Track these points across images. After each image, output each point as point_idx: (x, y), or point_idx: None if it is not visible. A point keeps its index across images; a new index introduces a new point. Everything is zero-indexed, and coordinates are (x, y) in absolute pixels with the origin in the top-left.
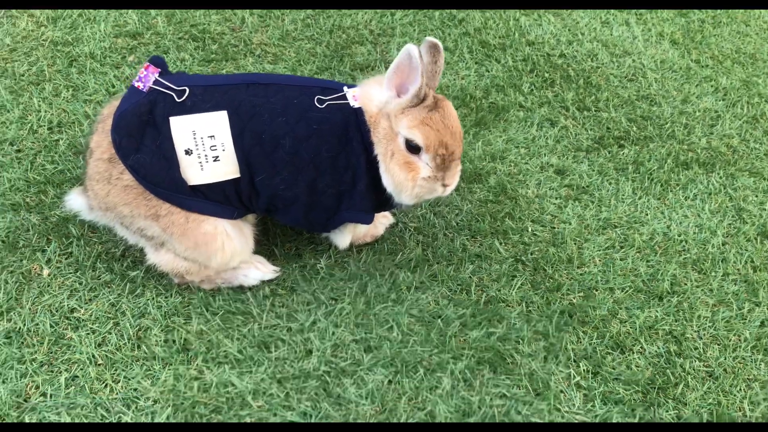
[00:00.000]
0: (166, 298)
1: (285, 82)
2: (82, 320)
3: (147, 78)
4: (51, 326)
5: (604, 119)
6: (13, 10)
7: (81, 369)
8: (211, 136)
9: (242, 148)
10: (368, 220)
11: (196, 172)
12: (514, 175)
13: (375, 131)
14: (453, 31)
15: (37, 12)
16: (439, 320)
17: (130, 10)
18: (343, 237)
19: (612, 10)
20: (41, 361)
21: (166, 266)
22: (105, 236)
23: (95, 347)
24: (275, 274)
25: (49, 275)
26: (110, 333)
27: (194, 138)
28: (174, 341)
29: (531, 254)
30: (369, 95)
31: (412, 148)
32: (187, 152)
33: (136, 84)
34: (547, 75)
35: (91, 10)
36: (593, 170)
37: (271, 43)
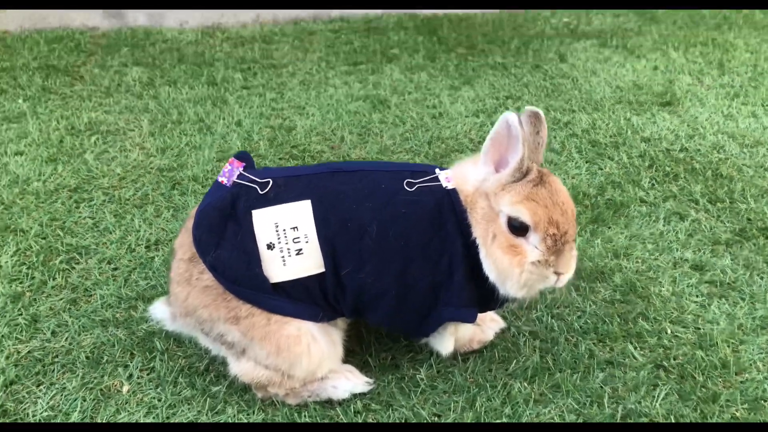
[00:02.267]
0: (248, 414)
1: (372, 168)
2: None
3: (231, 173)
4: None
5: (742, 210)
6: (127, 143)
7: None
8: (294, 228)
9: (326, 238)
10: (471, 318)
11: (278, 268)
12: (642, 273)
13: (472, 212)
14: (559, 133)
15: (147, 144)
16: None
17: (234, 137)
18: (445, 341)
19: (734, 104)
20: None
21: (246, 376)
22: (190, 350)
23: None
24: (368, 386)
25: (128, 392)
26: None
27: (276, 231)
28: None
29: (674, 359)
30: (463, 175)
31: (517, 228)
32: (269, 247)
33: (220, 179)
34: (668, 169)
35: (197, 139)
36: (738, 264)
37: (369, 156)
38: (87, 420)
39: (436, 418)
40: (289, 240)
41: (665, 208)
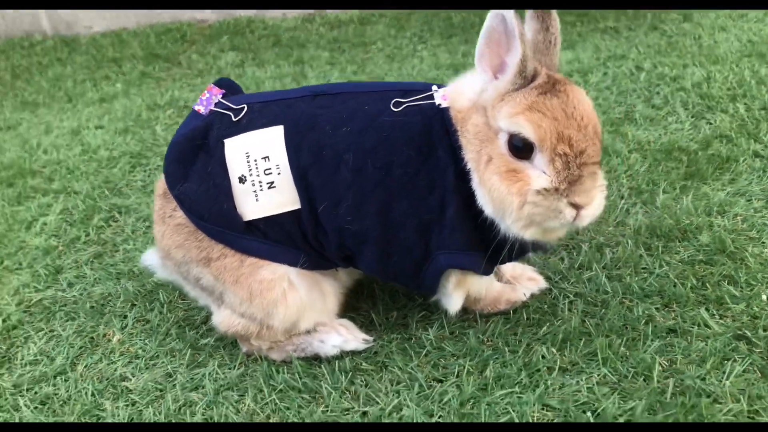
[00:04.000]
0: (228, 369)
1: (360, 89)
2: (128, 390)
3: (209, 101)
4: (92, 394)
5: None
6: None
7: None
8: (265, 158)
9: (300, 168)
10: (473, 265)
11: (251, 203)
12: (741, 231)
13: (463, 130)
14: (664, 89)
15: None
16: (590, 415)
17: None
18: (451, 296)
19: None
20: None
21: (223, 325)
22: (194, 303)
23: (126, 420)
24: (365, 344)
25: (118, 341)
26: (149, 407)
27: (248, 161)
28: (215, 421)
29: (764, 330)
30: (460, 89)
31: (520, 149)
32: (241, 180)
33: (197, 108)
34: None
35: None
36: None
37: None
38: (68, 365)
39: (435, 383)
40: (260, 171)
41: None
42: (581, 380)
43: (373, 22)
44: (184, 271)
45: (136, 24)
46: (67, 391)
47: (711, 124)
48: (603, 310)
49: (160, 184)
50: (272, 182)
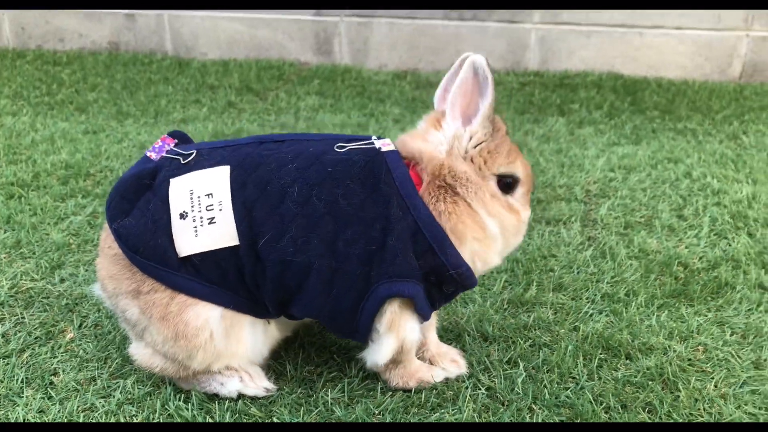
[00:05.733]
0: (141, 386)
1: (302, 138)
2: (51, 384)
3: (161, 149)
4: (21, 381)
5: None
6: None
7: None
8: (208, 195)
9: (243, 203)
10: (412, 292)
11: (189, 238)
12: (694, 362)
13: (456, 181)
14: (700, 201)
15: None
16: None
17: None
18: (381, 342)
19: None
20: None
21: (142, 362)
22: None
23: (35, 414)
24: (265, 392)
25: (71, 339)
26: (60, 404)
27: (191, 198)
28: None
29: None
30: (416, 144)
31: (508, 186)
32: (182, 216)
33: (149, 153)
34: None
35: None
36: None
37: None
38: (17, 351)
39: None
40: (202, 208)
41: None
42: None
43: None
44: (113, 304)
45: (245, 57)
46: (3, 372)
47: (730, 245)
48: (503, 410)
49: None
50: (213, 218)
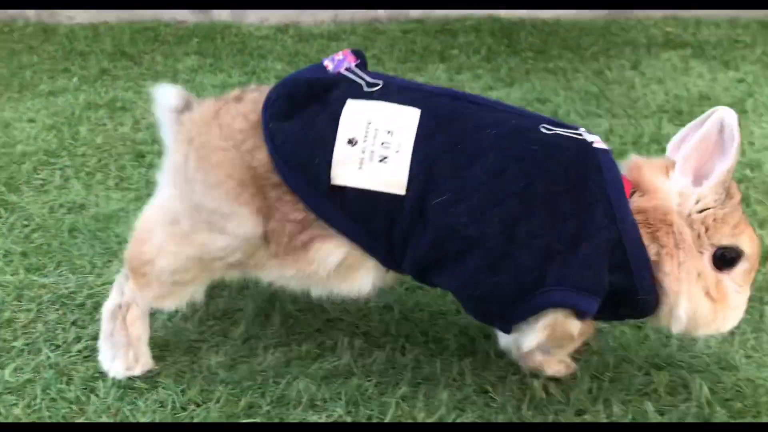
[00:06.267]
0: (21, 373)
1: (501, 106)
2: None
3: (340, 63)
4: None
5: None
6: (125, 118)
7: None
8: (388, 132)
9: (427, 155)
10: (591, 308)
11: (350, 169)
12: None
13: (666, 235)
14: None
15: (144, 120)
16: None
17: None
18: (534, 332)
19: None
20: None
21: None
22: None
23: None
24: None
25: (22, 325)
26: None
27: (366, 128)
28: None
29: None
30: (664, 179)
31: (726, 262)
32: (351, 142)
33: (326, 62)
34: None
35: None
36: None
37: None
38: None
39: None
40: (377, 142)
41: None
42: None
43: (343, 39)
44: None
45: (117, 19)
46: None
47: None
48: (378, 352)
49: (213, 106)
50: (386, 157)
